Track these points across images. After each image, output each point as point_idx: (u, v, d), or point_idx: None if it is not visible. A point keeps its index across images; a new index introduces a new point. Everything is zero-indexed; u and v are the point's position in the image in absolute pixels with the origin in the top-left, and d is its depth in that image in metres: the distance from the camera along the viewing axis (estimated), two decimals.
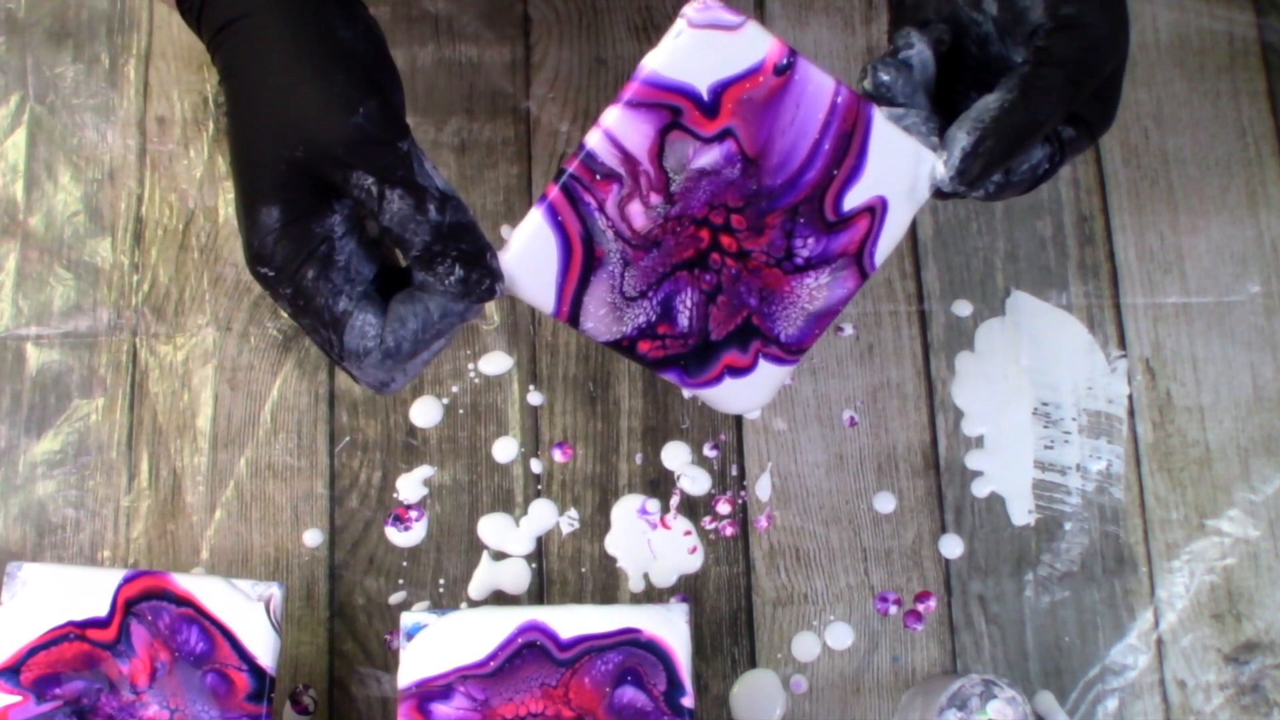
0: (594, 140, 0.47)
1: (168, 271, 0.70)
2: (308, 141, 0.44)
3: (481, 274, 0.46)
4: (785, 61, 0.47)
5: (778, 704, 0.64)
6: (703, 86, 0.47)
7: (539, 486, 0.67)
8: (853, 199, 0.50)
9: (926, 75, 0.49)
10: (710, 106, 0.47)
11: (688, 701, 0.55)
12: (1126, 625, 0.66)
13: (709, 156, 0.48)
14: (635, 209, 0.48)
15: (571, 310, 0.49)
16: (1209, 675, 0.65)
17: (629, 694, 0.55)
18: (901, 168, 0.49)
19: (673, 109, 0.47)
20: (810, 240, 0.50)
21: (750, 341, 0.51)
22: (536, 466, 0.67)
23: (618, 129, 0.47)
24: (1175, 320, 0.70)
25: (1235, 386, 0.69)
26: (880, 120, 0.48)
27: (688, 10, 0.46)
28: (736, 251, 0.50)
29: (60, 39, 0.73)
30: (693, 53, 0.46)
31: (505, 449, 0.67)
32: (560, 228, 0.47)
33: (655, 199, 0.48)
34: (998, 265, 0.70)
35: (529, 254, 0.48)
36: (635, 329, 0.50)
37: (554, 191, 0.47)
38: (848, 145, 0.48)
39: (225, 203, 0.70)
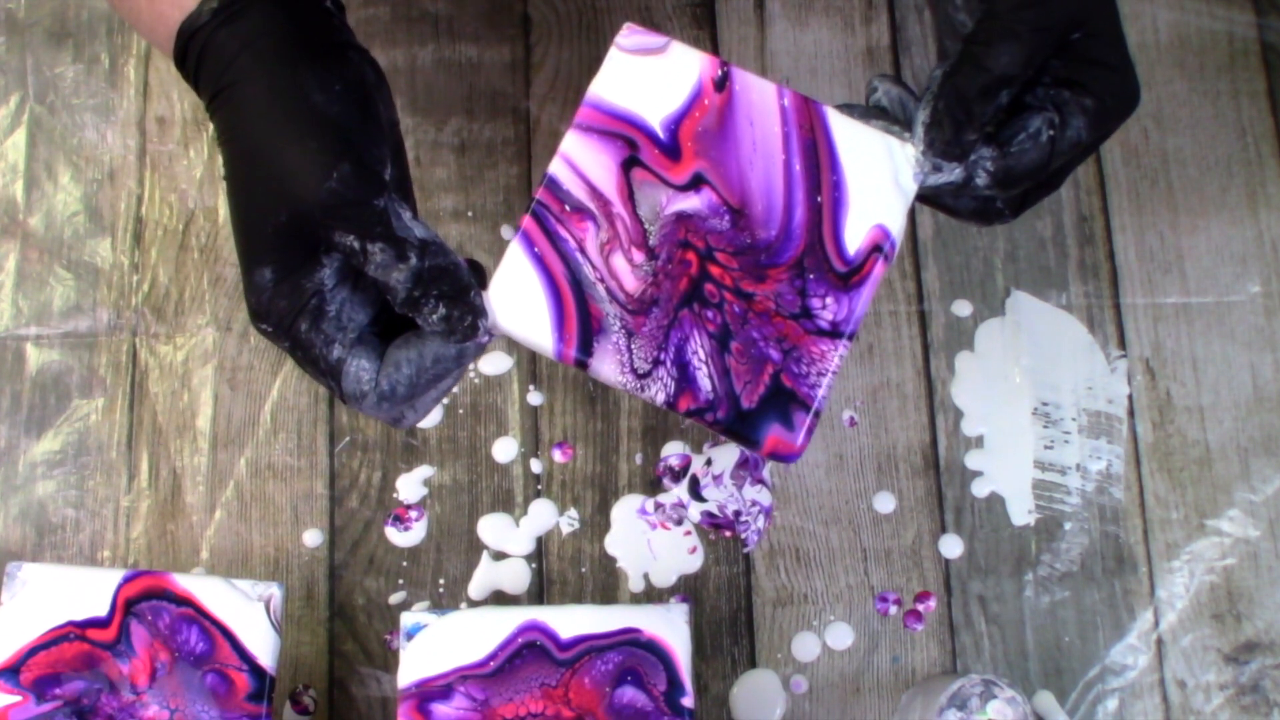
0: (555, 166, 0.48)
1: (168, 271, 0.70)
2: (289, 207, 0.46)
3: (463, 310, 0.46)
4: (721, 72, 0.49)
5: (778, 704, 0.64)
6: (654, 121, 0.49)
7: (539, 486, 0.67)
8: (853, 233, 0.48)
9: (906, 111, 0.50)
10: (670, 146, 0.49)
11: (688, 701, 0.55)
12: (1126, 625, 0.66)
13: (686, 204, 0.48)
14: (621, 265, 0.48)
15: (577, 357, 0.47)
16: (1209, 675, 0.65)
17: (629, 694, 0.55)
18: (878, 164, 0.48)
19: (628, 140, 0.48)
20: (829, 299, 0.48)
21: (791, 412, 0.47)
22: (536, 466, 0.67)
23: (574, 153, 0.48)
24: (1175, 320, 0.70)
25: (1235, 386, 0.69)
26: (835, 116, 0.49)
27: (617, 37, 0.50)
28: (733, 287, 0.48)
29: (60, 39, 0.73)
30: (627, 76, 0.49)
31: (505, 449, 0.67)
32: (540, 261, 0.48)
33: (639, 256, 0.48)
34: (998, 265, 0.70)
35: (509, 285, 0.48)
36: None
37: (526, 220, 0.48)
38: (817, 157, 0.48)
39: (225, 203, 0.70)
